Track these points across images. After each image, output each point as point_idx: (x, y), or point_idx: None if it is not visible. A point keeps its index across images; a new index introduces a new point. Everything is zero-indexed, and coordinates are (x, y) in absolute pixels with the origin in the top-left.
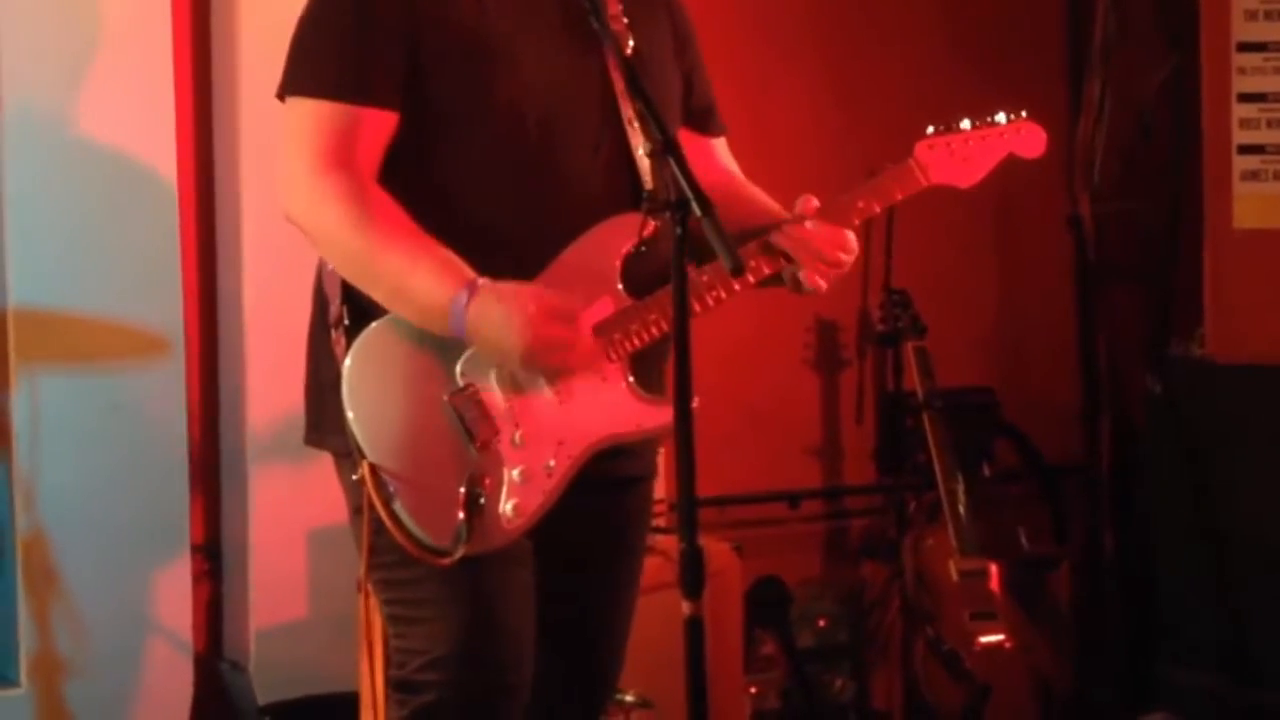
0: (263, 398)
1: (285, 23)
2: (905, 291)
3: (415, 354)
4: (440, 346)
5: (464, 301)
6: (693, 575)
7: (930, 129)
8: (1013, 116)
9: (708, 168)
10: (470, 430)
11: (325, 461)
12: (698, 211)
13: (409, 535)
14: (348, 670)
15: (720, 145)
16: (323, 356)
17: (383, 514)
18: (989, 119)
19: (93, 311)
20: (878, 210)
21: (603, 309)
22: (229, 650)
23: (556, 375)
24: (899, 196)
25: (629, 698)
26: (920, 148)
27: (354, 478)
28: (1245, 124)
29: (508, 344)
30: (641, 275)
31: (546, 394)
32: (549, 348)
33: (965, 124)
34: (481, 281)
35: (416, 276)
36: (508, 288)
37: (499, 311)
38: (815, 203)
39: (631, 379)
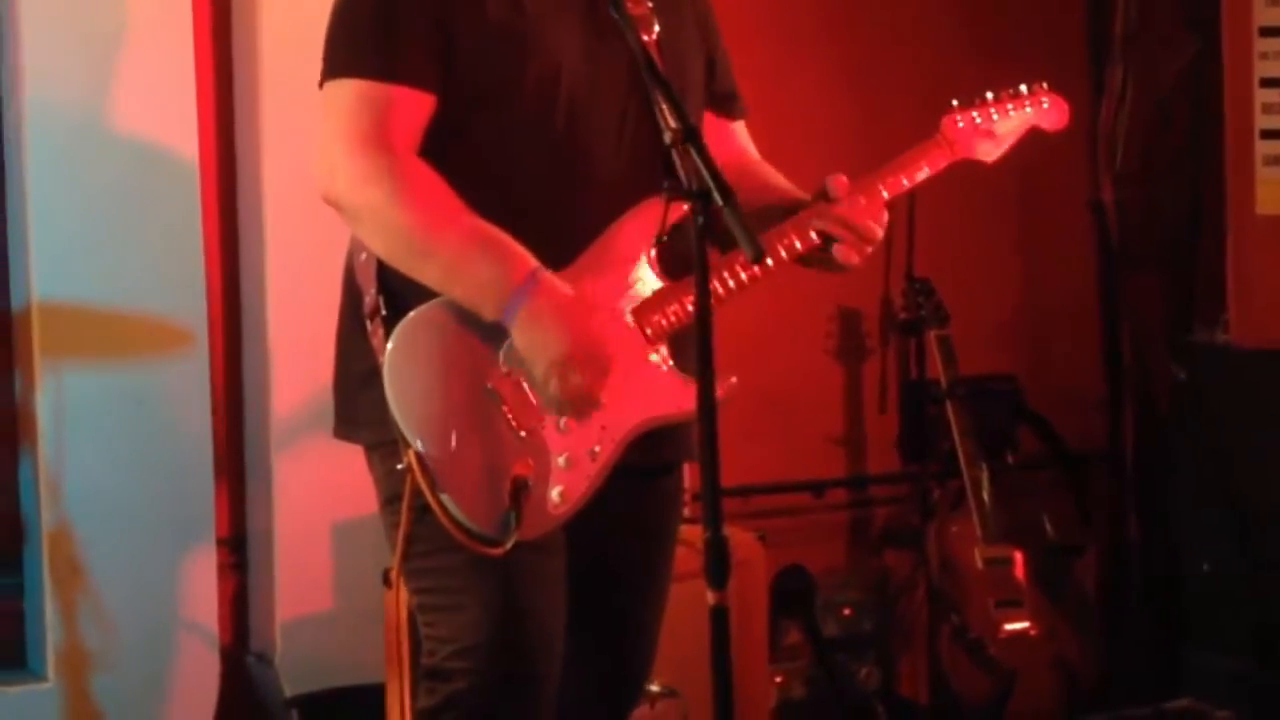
0: (287, 390)
1: (306, 11)
2: (927, 280)
3: (456, 342)
4: (482, 334)
5: (527, 290)
6: (717, 565)
7: (955, 103)
8: (1036, 89)
9: (725, 150)
10: (514, 417)
11: (350, 453)
12: (719, 200)
13: (457, 524)
14: (374, 661)
15: (739, 128)
16: (353, 349)
17: (432, 503)
18: (1012, 92)
19: (116, 305)
20: (905, 186)
21: (640, 291)
22: (255, 642)
23: (566, 399)
24: (929, 172)
25: (654, 687)
26: (947, 122)
27: (399, 467)
28: (1268, 109)
29: (551, 346)
30: (676, 257)
31: None
32: (585, 363)
33: (989, 97)
34: (546, 274)
35: (476, 255)
36: (570, 293)
37: (554, 313)
38: (845, 180)
39: (671, 361)
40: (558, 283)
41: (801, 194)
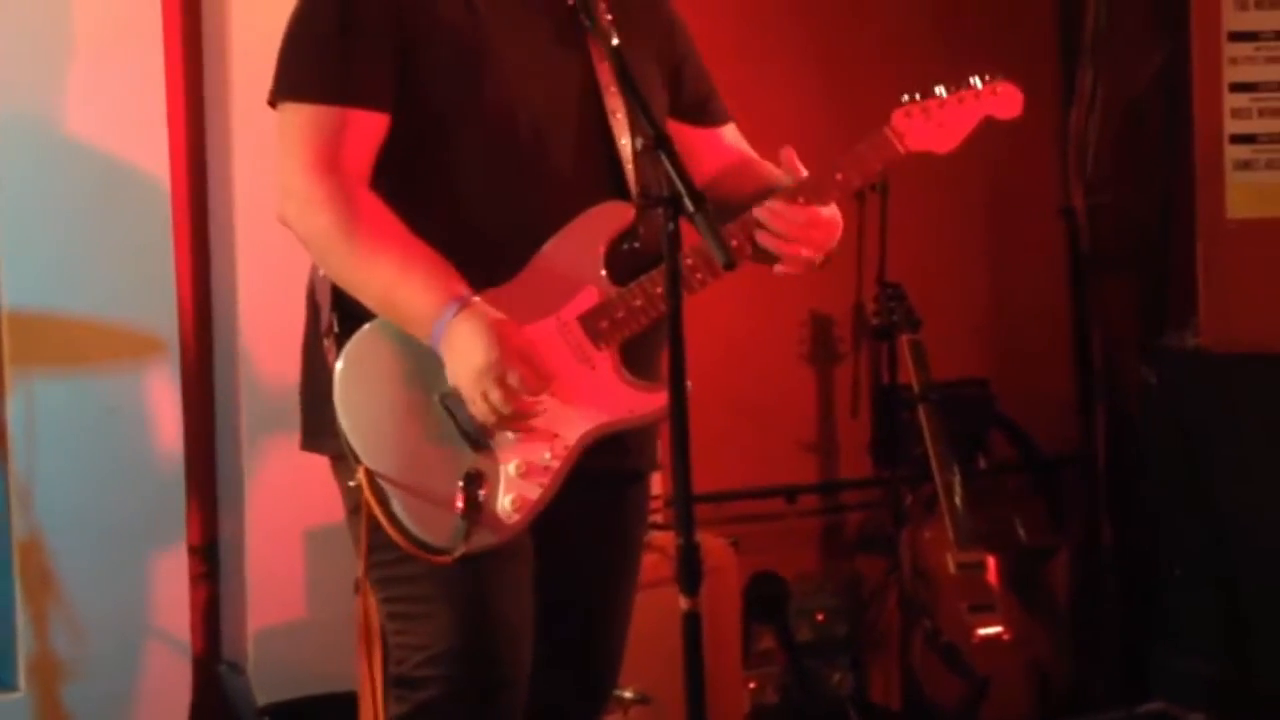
0: (258, 398)
1: (277, 22)
2: (899, 285)
3: (405, 357)
4: (429, 348)
5: (452, 314)
6: (690, 571)
7: (905, 97)
8: (988, 78)
9: (720, 157)
10: (463, 428)
11: (320, 461)
12: (689, 207)
13: (409, 537)
14: (346, 670)
15: (728, 131)
16: (317, 363)
17: (381, 518)
18: (964, 83)
19: (87, 314)
20: (858, 183)
21: (588, 298)
22: (227, 651)
23: (498, 413)
24: (877, 166)
25: (628, 694)
26: (896, 115)
27: (351, 484)
28: (1237, 113)
29: (470, 360)
30: (625, 265)
31: None
32: (505, 375)
33: (940, 90)
34: (474, 299)
35: (407, 285)
36: (496, 314)
37: (474, 330)
38: (797, 162)
39: (621, 366)
40: (484, 306)
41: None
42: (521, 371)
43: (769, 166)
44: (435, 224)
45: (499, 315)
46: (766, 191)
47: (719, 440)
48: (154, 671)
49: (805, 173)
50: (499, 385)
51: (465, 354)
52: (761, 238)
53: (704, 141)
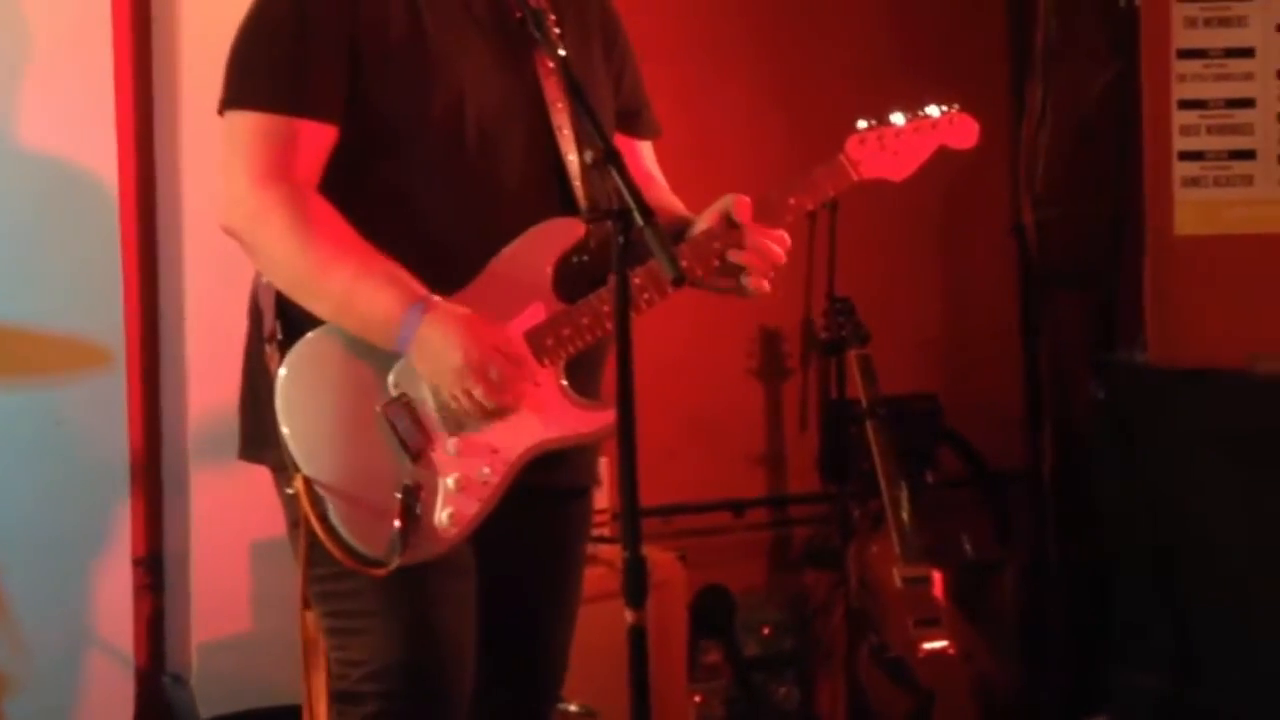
0: (204, 410)
1: (226, 31)
2: (848, 299)
3: (348, 366)
4: (373, 357)
5: (418, 316)
6: (636, 584)
7: (861, 123)
8: (944, 108)
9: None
10: (404, 440)
11: (266, 474)
12: (639, 221)
13: (344, 547)
14: (291, 683)
15: (646, 149)
16: (258, 371)
17: (317, 527)
18: (920, 112)
19: (33, 324)
20: (810, 207)
21: (535, 314)
22: (171, 664)
23: (483, 408)
24: (831, 192)
25: (573, 708)
26: (851, 142)
27: (289, 491)
28: (1186, 130)
29: (448, 360)
30: (573, 279)
31: None
32: (487, 370)
33: (896, 117)
34: (436, 299)
35: (366, 289)
36: (463, 310)
37: (447, 329)
38: (748, 201)
39: (565, 384)
40: (449, 304)
41: (692, 216)
42: (499, 364)
43: (669, 196)
44: (382, 238)
45: (465, 311)
46: (676, 220)
47: (667, 454)
48: (97, 683)
49: (747, 219)
50: (482, 381)
51: (442, 353)
52: (746, 258)
53: (623, 149)
